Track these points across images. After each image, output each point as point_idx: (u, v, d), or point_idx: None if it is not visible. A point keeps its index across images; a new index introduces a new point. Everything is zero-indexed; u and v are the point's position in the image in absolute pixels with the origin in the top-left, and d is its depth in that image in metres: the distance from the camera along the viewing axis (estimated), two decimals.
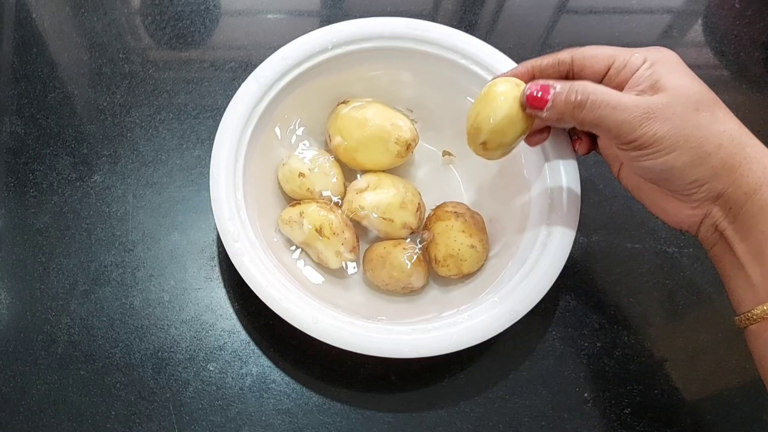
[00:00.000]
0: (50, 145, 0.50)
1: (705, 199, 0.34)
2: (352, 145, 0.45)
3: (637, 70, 0.34)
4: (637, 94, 0.34)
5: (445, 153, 0.49)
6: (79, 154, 0.50)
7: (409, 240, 0.44)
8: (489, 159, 0.39)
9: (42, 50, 0.54)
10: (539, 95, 0.35)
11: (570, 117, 0.35)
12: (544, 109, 0.35)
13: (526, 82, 0.37)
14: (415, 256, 0.43)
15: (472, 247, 0.42)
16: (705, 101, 0.33)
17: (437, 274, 0.44)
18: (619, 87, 0.35)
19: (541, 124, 0.40)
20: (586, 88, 0.34)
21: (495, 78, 0.39)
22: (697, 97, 0.33)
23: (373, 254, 0.43)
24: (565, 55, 0.37)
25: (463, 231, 0.42)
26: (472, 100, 0.46)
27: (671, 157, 0.33)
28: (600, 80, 0.36)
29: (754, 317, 0.32)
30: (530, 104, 0.36)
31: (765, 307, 0.32)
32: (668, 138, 0.32)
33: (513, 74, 0.39)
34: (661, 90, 0.33)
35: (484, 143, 0.38)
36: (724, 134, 0.32)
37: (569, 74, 0.37)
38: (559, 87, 0.35)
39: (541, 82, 0.36)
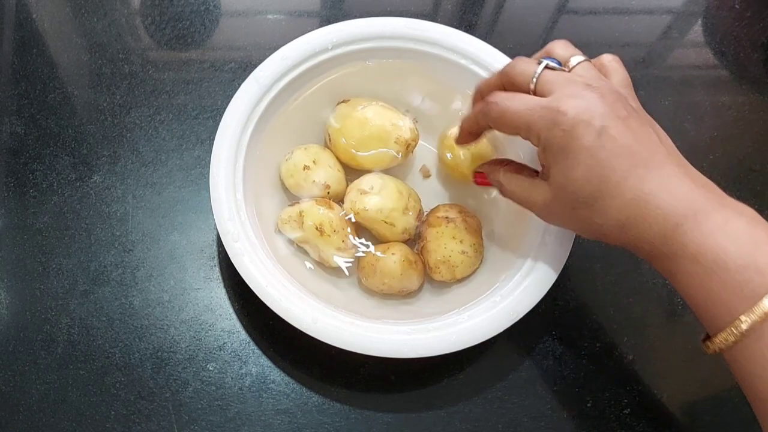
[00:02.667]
0: (50, 145, 0.50)
1: None
2: (352, 145, 0.45)
3: (536, 148, 0.35)
4: (539, 179, 0.37)
5: (424, 169, 0.49)
6: (79, 154, 0.50)
7: (399, 245, 0.44)
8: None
9: (42, 50, 0.54)
10: (482, 180, 0.42)
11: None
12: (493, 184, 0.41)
13: (439, 222, 0.43)
14: (404, 260, 0.42)
15: (464, 252, 0.42)
16: (582, 195, 0.33)
17: (432, 277, 0.44)
18: None
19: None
20: (496, 177, 0.40)
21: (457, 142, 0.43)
22: (573, 197, 0.34)
23: (364, 262, 0.43)
24: (483, 123, 0.38)
25: (453, 237, 0.42)
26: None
27: (578, 233, 0.37)
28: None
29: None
30: (480, 185, 0.42)
31: (718, 341, 0.31)
32: (565, 226, 0.37)
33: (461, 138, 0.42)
34: (549, 181, 0.35)
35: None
36: (604, 226, 0.33)
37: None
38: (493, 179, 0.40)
39: (480, 170, 0.42)
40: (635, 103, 0.35)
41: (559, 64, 0.36)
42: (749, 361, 0.30)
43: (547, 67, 0.35)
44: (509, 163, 0.40)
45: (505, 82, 0.37)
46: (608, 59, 0.37)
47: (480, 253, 0.43)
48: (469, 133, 0.40)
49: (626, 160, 0.32)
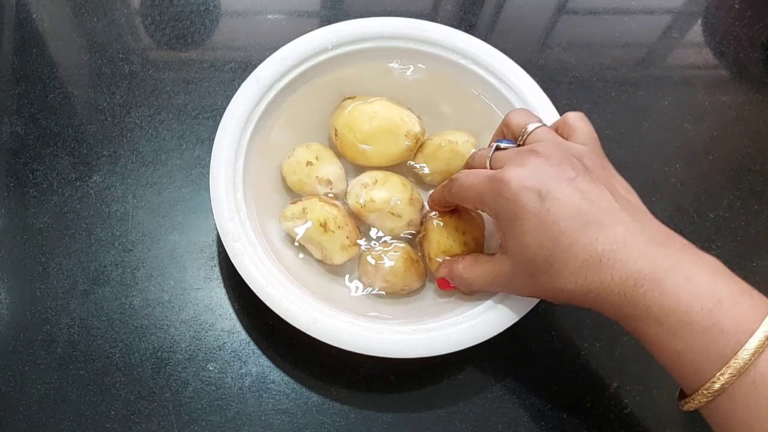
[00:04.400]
0: (50, 145, 0.50)
1: None
2: (361, 138, 0.44)
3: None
4: (499, 254, 0.37)
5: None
6: (79, 154, 0.50)
7: (400, 242, 0.44)
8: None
9: (42, 50, 0.54)
10: (446, 284, 0.41)
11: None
12: (457, 288, 0.41)
13: (442, 213, 0.43)
14: (406, 258, 0.42)
15: (465, 244, 0.42)
16: (538, 261, 0.33)
17: (432, 272, 0.44)
18: None
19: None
20: (457, 272, 0.40)
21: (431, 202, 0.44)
22: (530, 264, 0.34)
23: (366, 260, 0.43)
24: (447, 200, 0.40)
25: (456, 228, 0.42)
26: (475, 93, 0.46)
27: (551, 301, 0.35)
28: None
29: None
30: (446, 289, 0.42)
31: (692, 401, 0.31)
32: (536, 296, 0.37)
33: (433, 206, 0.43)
34: (506, 251, 0.36)
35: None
36: (565, 290, 0.33)
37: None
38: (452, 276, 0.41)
39: (440, 275, 0.41)
40: (595, 159, 0.35)
41: (514, 141, 0.39)
42: (725, 419, 0.30)
43: (498, 148, 0.37)
44: (465, 256, 0.41)
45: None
46: (572, 117, 0.37)
47: (481, 248, 0.43)
48: (439, 204, 0.42)
49: (575, 221, 0.32)
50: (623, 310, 0.31)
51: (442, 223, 0.43)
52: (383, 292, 0.43)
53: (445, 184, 0.40)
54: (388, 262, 0.42)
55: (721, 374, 0.29)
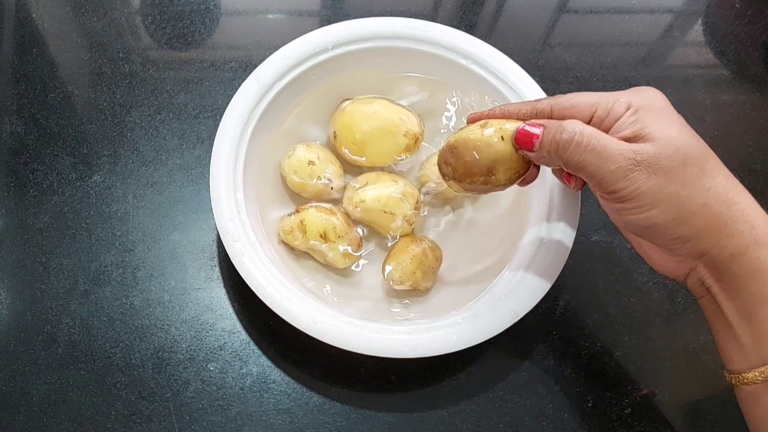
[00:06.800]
0: (50, 145, 0.50)
1: (689, 255, 0.33)
2: (360, 139, 0.44)
3: (620, 117, 0.32)
4: (624, 140, 0.32)
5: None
6: (79, 154, 0.50)
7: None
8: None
9: (42, 50, 0.54)
10: (529, 133, 0.34)
11: (556, 157, 0.33)
12: (534, 149, 0.34)
13: (507, 117, 0.36)
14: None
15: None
16: (693, 153, 0.31)
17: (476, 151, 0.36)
18: None
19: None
20: (574, 126, 0.32)
21: (473, 116, 0.38)
22: (685, 150, 0.31)
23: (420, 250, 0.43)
24: (543, 105, 0.35)
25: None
26: (475, 93, 0.46)
27: (653, 214, 0.31)
28: None
29: (746, 380, 0.31)
30: (520, 143, 0.34)
31: (756, 373, 0.31)
32: (652, 193, 0.31)
33: (488, 115, 0.37)
34: (648, 139, 0.31)
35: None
36: (710, 192, 0.31)
37: None
38: (549, 124, 0.34)
39: (534, 121, 0.35)
40: None
41: None
42: None
43: None
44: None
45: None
46: None
47: None
48: (516, 112, 0.36)
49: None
50: (761, 235, 0.30)
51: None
52: (408, 288, 0.43)
53: (545, 98, 0.36)
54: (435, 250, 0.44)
55: None
